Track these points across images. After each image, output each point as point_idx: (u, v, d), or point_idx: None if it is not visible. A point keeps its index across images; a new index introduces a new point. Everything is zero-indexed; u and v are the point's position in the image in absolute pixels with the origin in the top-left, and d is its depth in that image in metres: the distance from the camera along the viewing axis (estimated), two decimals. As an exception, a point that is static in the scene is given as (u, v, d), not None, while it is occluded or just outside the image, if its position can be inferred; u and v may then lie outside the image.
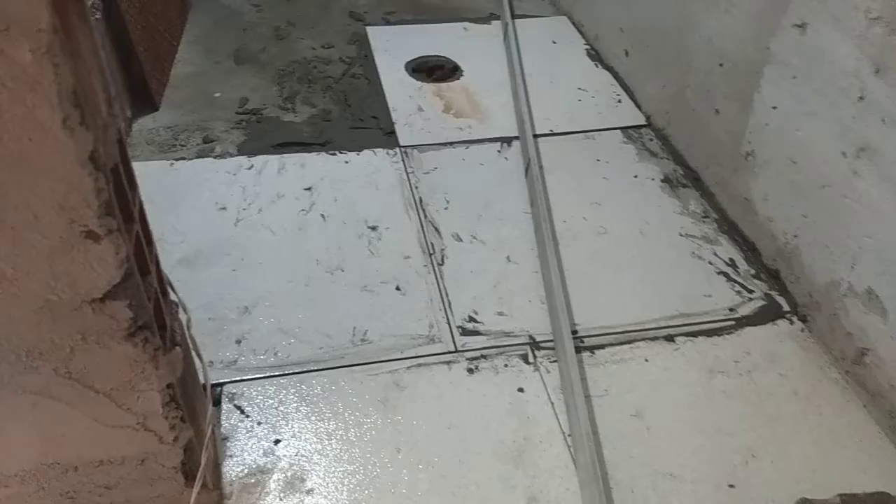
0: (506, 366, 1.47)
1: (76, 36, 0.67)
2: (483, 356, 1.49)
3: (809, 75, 1.54)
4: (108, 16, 1.96)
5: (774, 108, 1.66)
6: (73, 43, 0.66)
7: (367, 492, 1.23)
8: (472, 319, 1.57)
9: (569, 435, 1.33)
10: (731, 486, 1.28)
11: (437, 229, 1.82)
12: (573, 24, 2.79)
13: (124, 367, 0.86)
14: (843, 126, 1.45)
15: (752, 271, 1.74)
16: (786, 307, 1.65)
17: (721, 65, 1.85)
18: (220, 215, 1.79)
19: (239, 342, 1.47)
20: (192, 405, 1.04)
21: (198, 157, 2.00)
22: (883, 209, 1.37)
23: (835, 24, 1.44)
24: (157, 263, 0.94)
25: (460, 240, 1.79)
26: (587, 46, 2.65)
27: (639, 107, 2.32)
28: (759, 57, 1.69)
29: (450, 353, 1.49)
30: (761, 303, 1.66)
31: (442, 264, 1.71)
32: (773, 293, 1.68)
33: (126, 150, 0.83)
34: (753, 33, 1.70)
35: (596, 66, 2.54)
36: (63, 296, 0.77)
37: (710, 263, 1.75)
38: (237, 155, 2.01)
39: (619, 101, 2.35)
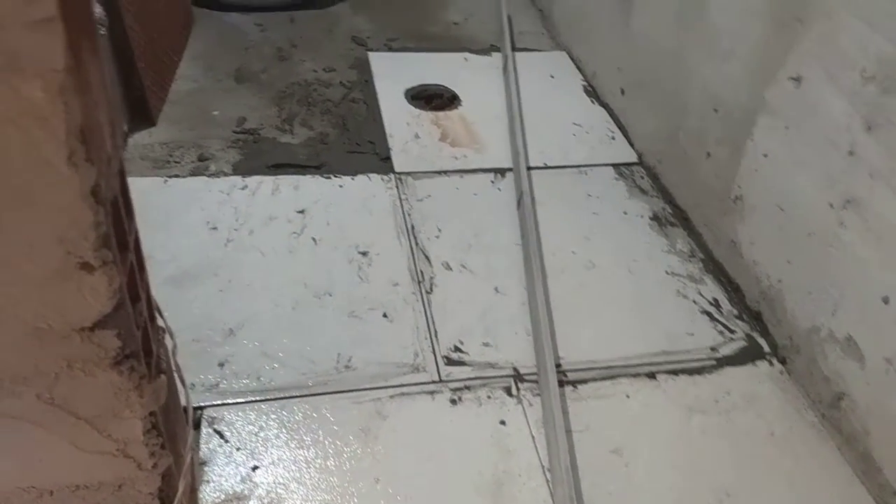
0: (489, 397, 1.48)
1: (87, 72, 0.68)
2: (467, 387, 1.50)
3: (802, 127, 1.58)
4: (112, 30, 1.98)
5: (765, 155, 1.70)
6: (84, 80, 0.67)
7: (344, 522, 1.23)
8: (457, 349, 1.59)
9: (548, 469, 1.34)
10: (707, 529, 1.29)
11: (427, 257, 1.83)
12: (572, 59, 2.84)
13: (108, 394, 0.86)
14: (831, 178, 1.49)
15: (735, 312, 1.76)
16: (766, 349, 1.68)
17: (716, 110, 1.89)
18: (210, 235, 1.80)
19: (222, 365, 1.47)
20: (173, 432, 1.04)
21: (192, 174, 2.01)
22: (865, 260, 1.40)
23: (830, 80, 1.48)
24: (148, 290, 0.95)
25: (450, 268, 1.81)
26: (584, 82, 2.69)
27: (632, 144, 2.36)
28: (754, 105, 1.73)
29: (434, 382, 1.50)
30: (742, 343, 1.68)
31: (430, 292, 1.73)
32: (754, 334, 1.71)
33: (126, 180, 0.84)
34: (749, 82, 1.75)
35: (592, 102, 2.58)
36: (52, 324, 0.77)
37: (695, 302, 1.78)
38: (232, 174, 2.02)
39: (613, 138, 2.39)
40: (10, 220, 0.68)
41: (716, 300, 1.79)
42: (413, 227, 1.92)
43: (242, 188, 1.98)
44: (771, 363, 1.64)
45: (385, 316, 1.65)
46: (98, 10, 1.90)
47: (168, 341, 1.04)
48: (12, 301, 0.74)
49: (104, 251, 0.74)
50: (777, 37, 1.64)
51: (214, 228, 1.82)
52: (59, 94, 0.62)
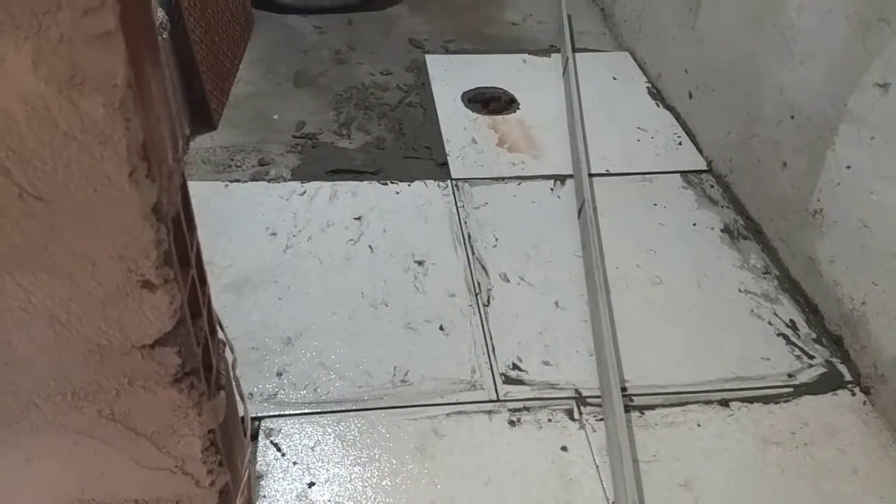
0: (549, 420, 1.42)
1: (149, 86, 0.66)
2: (526, 408, 1.44)
3: (890, 138, 1.46)
4: (174, 34, 2.00)
5: (848, 167, 1.58)
6: (146, 94, 0.65)
7: (399, 546, 1.19)
8: (515, 367, 1.53)
9: (613, 502, 1.27)
10: (786, 574, 1.20)
11: (484, 268, 1.78)
12: (635, 60, 2.74)
13: (168, 411, 0.85)
14: (925, 194, 1.37)
15: (814, 335, 1.65)
16: (847, 377, 1.56)
17: (792, 117, 1.78)
18: (270, 241, 1.79)
19: (280, 375, 1.45)
20: (231, 447, 1.02)
21: (252, 179, 2.01)
22: (966, 287, 1.29)
23: (922, 87, 1.37)
24: (209, 304, 0.93)
25: (507, 280, 1.75)
26: (649, 85, 2.59)
27: (700, 151, 2.25)
28: (835, 113, 1.61)
29: (491, 401, 1.45)
30: (822, 370, 1.57)
31: (487, 305, 1.67)
32: (834, 361, 1.59)
33: (188, 194, 0.82)
34: (830, 88, 1.63)
35: (657, 105, 2.48)
36: (113, 341, 0.76)
37: (770, 324, 1.67)
38: (291, 180, 2.02)
39: (680, 144, 2.29)
40: (72, 237, 0.67)
41: (793, 322, 1.68)
42: (470, 236, 1.87)
43: (301, 193, 1.96)
44: (853, 393, 1.53)
45: (441, 329, 1.60)
46: (160, 14, 1.92)
47: (228, 354, 1.02)
48: (74, 318, 0.73)
49: (166, 269, 0.71)
50: (861, 39, 1.52)
51: (274, 234, 1.82)
52: (120, 109, 0.60)
